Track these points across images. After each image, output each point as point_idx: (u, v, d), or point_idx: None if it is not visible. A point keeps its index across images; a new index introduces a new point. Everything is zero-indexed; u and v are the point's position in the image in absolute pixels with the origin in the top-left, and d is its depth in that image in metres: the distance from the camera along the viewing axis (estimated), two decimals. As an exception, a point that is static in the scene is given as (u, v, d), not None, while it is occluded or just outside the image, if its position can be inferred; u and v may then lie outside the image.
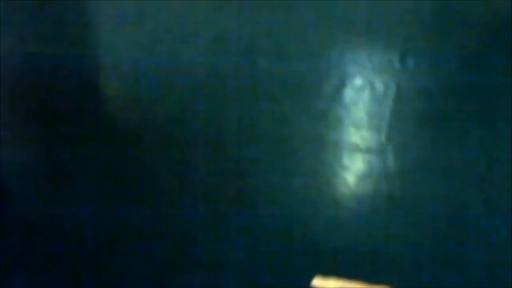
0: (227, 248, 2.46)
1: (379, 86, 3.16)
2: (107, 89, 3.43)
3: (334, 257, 2.44)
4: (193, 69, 3.47)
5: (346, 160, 2.82)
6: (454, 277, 2.32)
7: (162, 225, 2.54)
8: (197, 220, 2.58)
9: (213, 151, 2.90)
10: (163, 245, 2.44)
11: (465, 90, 3.07)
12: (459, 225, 2.54)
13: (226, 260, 2.41)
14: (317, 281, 1.59)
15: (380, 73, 3.24)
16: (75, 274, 2.31)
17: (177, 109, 3.19)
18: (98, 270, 2.34)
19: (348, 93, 3.15)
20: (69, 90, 3.33)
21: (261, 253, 2.44)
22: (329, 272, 2.32)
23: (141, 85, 3.34)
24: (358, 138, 2.91)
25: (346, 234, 2.53)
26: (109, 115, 3.20)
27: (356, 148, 2.86)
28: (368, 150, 2.85)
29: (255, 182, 2.75)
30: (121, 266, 2.36)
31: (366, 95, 3.12)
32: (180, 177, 2.78)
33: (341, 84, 3.22)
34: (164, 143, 2.97)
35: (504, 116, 2.93)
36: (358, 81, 3.21)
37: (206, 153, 2.89)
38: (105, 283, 2.29)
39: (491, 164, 2.72)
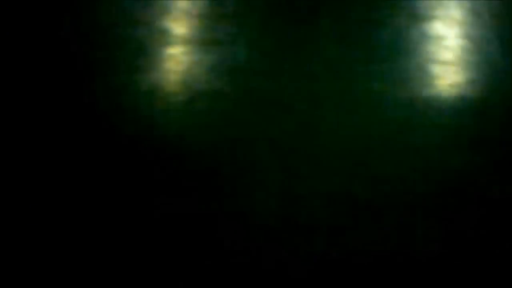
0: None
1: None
2: None
3: (181, 150, 2.33)
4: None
5: (196, 54, 2.68)
6: (302, 169, 2.28)
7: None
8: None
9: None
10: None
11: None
12: (314, 116, 2.49)
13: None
14: None
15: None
16: None
17: None
18: None
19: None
20: None
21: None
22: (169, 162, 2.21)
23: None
24: (207, 32, 2.76)
25: (197, 130, 2.43)
26: None
27: (206, 41, 2.72)
28: (218, 43, 2.71)
29: (101, 81, 2.55)
30: None
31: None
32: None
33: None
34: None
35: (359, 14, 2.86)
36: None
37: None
38: None
39: (340, 49, 2.67)
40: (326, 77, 2.59)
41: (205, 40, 2.70)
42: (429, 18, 2.65)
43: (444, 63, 2.57)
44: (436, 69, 2.56)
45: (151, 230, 2.16)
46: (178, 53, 2.66)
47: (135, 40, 2.66)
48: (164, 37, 2.69)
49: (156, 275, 1.95)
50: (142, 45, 2.65)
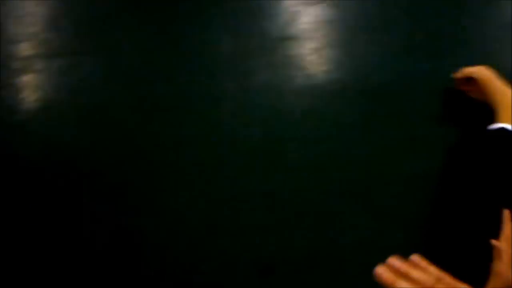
0: None
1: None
2: None
3: (83, 166, 2.22)
4: None
5: (82, 65, 2.51)
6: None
7: None
8: None
9: None
10: None
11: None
12: (216, 114, 2.40)
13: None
14: None
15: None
16: None
17: None
18: None
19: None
20: None
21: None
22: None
23: None
24: (89, 41, 2.61)
25: (96, 144, 2.31)
26: None
27: (89, 51, 2.56)
28: (102, 50, 2.57)
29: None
30: None
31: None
32: None
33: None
34: None
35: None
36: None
37: None
38: None
39: (234, 42, 2.59)
40: (222, 72, 2.52)
41: (88, 49, 2.55)
42: (319, 2, 2.63)
43: (339, 47, 2.56)
44: (331, 54, 2.55)
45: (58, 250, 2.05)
46: (62, 66, 2.49)
47: (17, 57, 2.48)
48: (46, 50, 2.52)
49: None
50: (25, 61, 2.47)
